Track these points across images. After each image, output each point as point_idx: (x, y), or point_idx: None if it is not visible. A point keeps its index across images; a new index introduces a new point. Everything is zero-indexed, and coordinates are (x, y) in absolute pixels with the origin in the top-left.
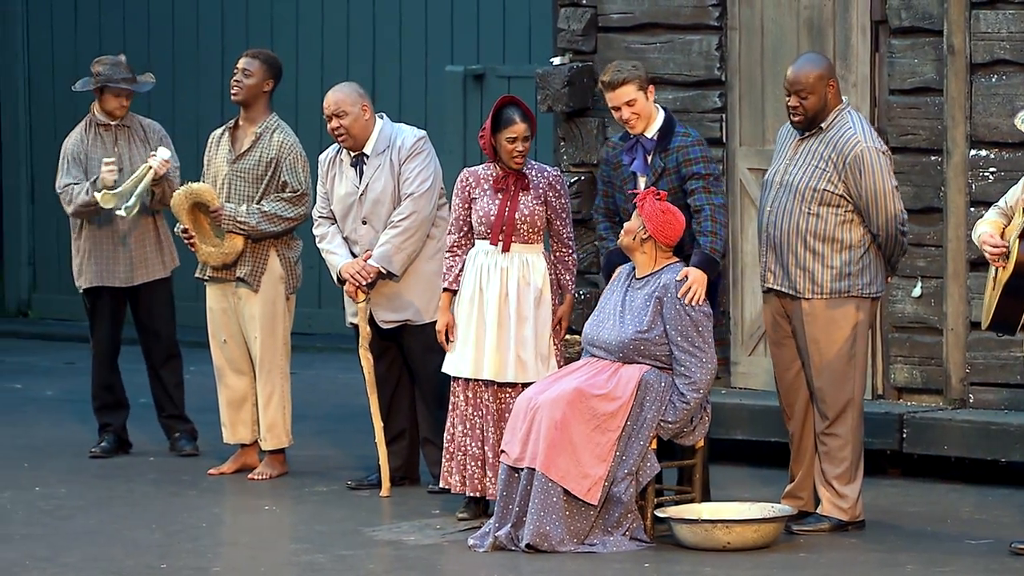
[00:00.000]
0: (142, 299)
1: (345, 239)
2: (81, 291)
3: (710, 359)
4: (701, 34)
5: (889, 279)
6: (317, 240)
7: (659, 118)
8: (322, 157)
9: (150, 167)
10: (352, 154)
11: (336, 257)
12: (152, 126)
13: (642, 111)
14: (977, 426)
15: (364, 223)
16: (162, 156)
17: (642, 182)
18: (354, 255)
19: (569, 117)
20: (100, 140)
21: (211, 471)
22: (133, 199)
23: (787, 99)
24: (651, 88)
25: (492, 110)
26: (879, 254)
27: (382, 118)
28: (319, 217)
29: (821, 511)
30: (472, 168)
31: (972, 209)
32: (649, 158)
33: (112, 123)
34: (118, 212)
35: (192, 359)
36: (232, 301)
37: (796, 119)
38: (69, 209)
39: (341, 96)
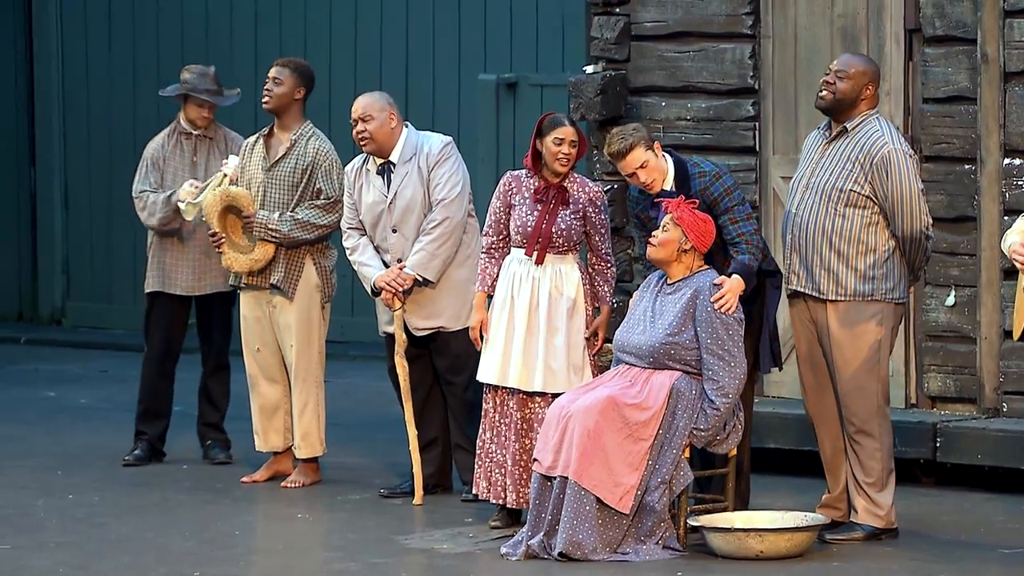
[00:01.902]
0: (203, 309)
1: (376, 248)
2: (145, 294)
3: (739, 364)
4: (734, 43)
5: (911, 288)
6: (348, 252)
7: (670, 167)
8: (348, 168)
9: (224, 175)
10: (378, 162)
11: (370, 269)
12: (236, 139)
13: (656, 170)
14: (1011, 435)
15: (394, 231)
16: (233, 163)
17: None
18: (386, 264)
19: (602, 125)
20: (180, 148)
21: (244, 479)
22: None
23: (825, 77)
24: (656, 144)
25: (538, 121)
26: (903, 260)
27: (407, 127)
28: (348, 228)
29: (856, 519)
30: (515, 172)
31: (1006, 218)
32: None
33: (194, 132)
34: (204, 218)
35: None
36: (266, 309)
37: (823, 95)
38: (151, 221)
39: (369, 101)
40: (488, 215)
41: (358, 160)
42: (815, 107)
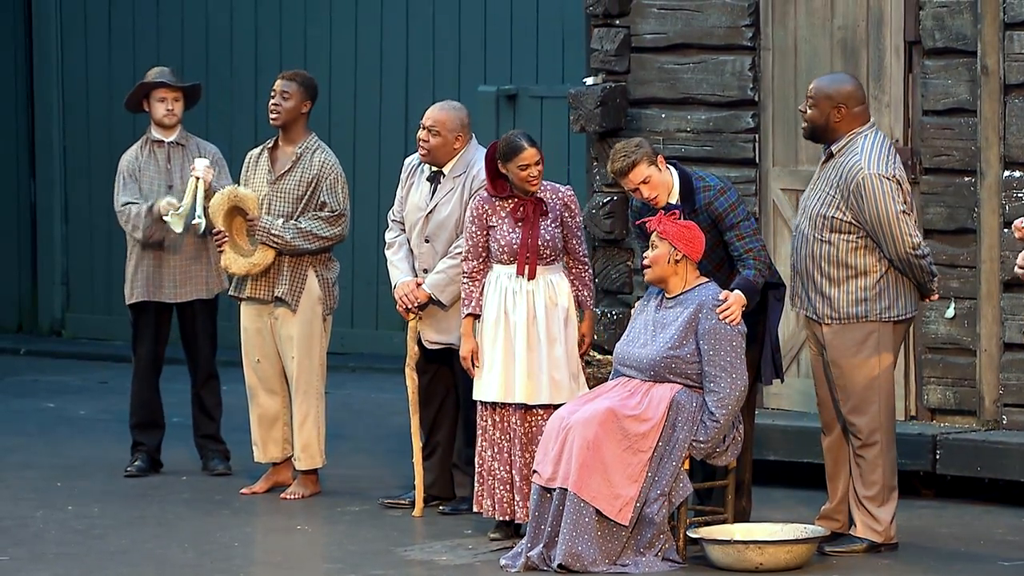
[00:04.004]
0: (186, 317)
1: (411, 250)
2: (128, 305)
3: (740, 376)
4: (734, 54)
5: (933, 298)
6: (386, 246)
7: (675, 180)
8: (407, 161)
9: (197, 178)
10: (432, 169)
11: (397, 272)
12: (209, 148)
13: (659, 185)
14: (1011, 447)
15: (427, 241)
16: (201, 165)
17: None
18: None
19: (602, 137)
20: (154, 157)
21: (243, 491)
22: (199, 211)
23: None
24: (660, 158)
25: (494, 148)
26: (900, 278)
27: (470, 140)
28: (392, 221)
29: (855, 532)
30: (484, 194)
31: (1006, 230)
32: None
33: (167, 140)
34: (194, 223)
35: (223, 378)
36: (268, 321)
37: (803, 124)
38: (136, 235)
39: (443, 117)
40: (466, 240)
41: (416, 157)
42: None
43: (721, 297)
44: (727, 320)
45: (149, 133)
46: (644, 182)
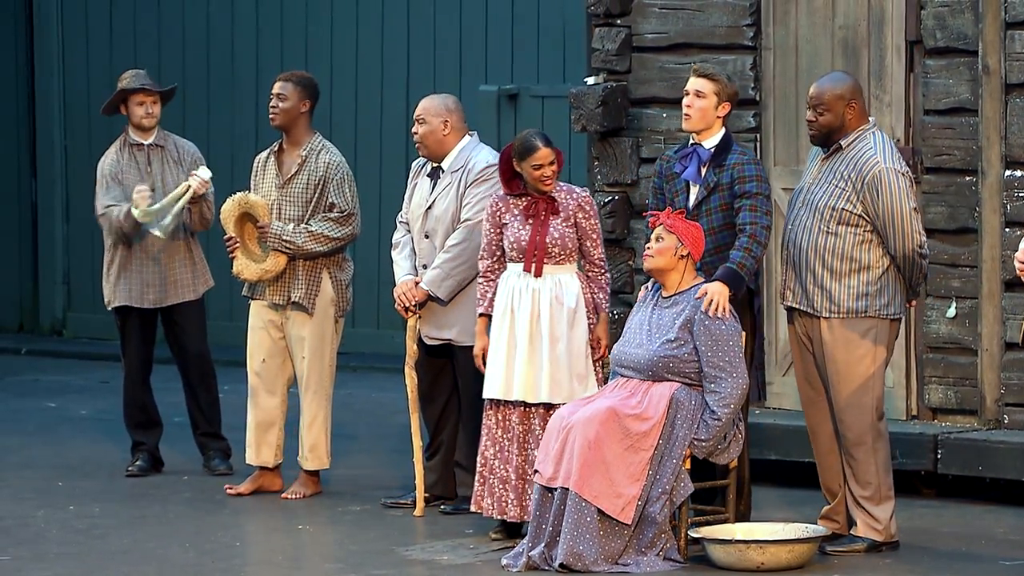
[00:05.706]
0: (173, 319)
1: (414, 250)
2: (111, 309)
3: (740, 375)
4: (735, 54)
5: (912, 304)
6: (392, 245)
7: (719, 133)
8: (415, 163)
9: (189, 186)
10: (432, 165)
11: (399, 270)
12: (187, 147)
13: (702, 110)
14: (1012, 447)
15: (426, 237)
16: (202, 176)
17: (694, 192)
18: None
19: (603, 137)
20: (134, 160)
21: (228, 489)
22: (169, 218)
23: (808, 111)
24: (726, 105)
25: (510, 148)
26: (899, 276)
27: (471, 136)
28: (399, 222)
29: (856, 532)
30: (500, 194)
31: (1007, 230)
32: (704, 170)
33: (146, 143)
34: (153, 231)
35: (225, 378)
36: (279, 321)
37: (811, 133)
38: (108, 233)
39: (428, 105)
40: (483, 239)
41: (422, 157)
42: (812, 143)
43: (698, 296)
44: (715, 312)
45: (127, 136)
46: (696, 94)
